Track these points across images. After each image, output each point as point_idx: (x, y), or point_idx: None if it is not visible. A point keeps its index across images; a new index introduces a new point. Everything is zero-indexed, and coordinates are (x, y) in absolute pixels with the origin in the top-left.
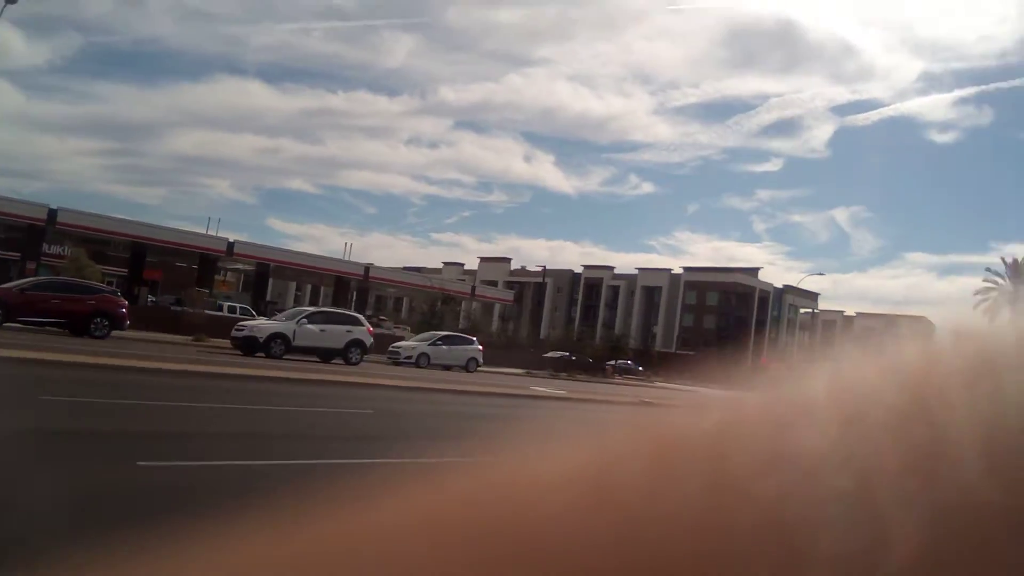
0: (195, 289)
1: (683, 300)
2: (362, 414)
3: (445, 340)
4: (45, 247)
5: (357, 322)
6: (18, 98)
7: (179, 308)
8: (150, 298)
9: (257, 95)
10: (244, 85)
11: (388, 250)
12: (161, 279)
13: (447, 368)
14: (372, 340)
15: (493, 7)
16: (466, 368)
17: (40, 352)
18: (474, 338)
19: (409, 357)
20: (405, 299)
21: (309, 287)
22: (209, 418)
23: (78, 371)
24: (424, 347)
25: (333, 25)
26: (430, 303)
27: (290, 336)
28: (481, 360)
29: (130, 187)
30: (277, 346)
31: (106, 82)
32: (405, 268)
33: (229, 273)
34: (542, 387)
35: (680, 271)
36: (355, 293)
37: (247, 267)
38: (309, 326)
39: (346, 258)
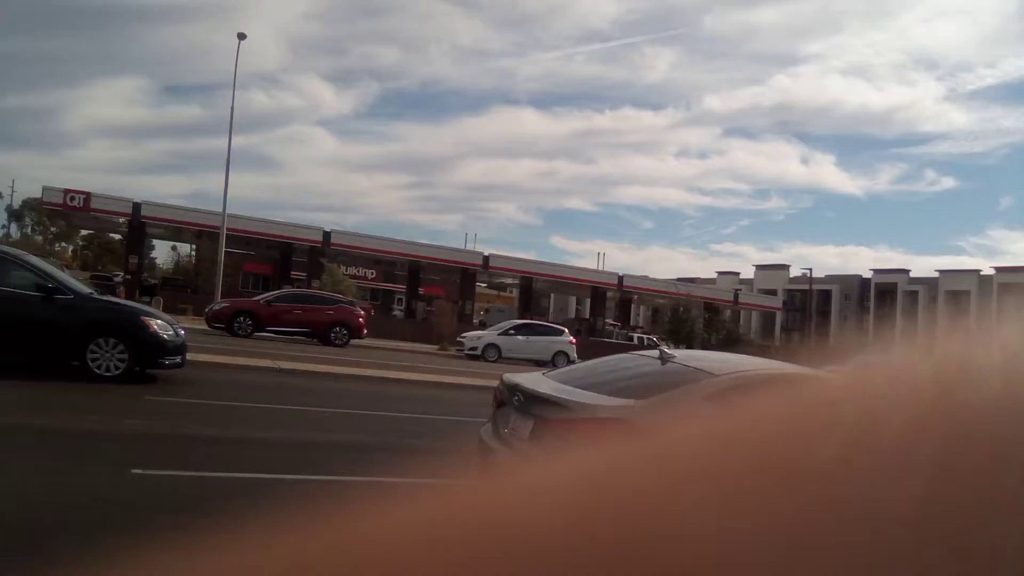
0: (440, 300)
1: (998, 305)
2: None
3: (521, 329)
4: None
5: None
6: (333, 143)
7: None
8: (426, 310)
9: (531, 122)
10: (518, 114)
11: (666, 262)
12: (444, 294)
13: (538, 363)
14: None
15: (752, 9)
16: (553, 364)
17: (240, 358)
18: (564, 328)
19: (474, 348)
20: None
21: (588, 299)
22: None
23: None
24: (493, 336)
25: (594, 48)
26: (676, 311)
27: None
28: (573, 355)
29: (430, 215)
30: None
31: (402, 122)
32: (678, 279)
33: (509, 289)
34: None
35: (991, 271)
36: (617, 302)
37: (512, 280)
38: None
39: (600, 269)
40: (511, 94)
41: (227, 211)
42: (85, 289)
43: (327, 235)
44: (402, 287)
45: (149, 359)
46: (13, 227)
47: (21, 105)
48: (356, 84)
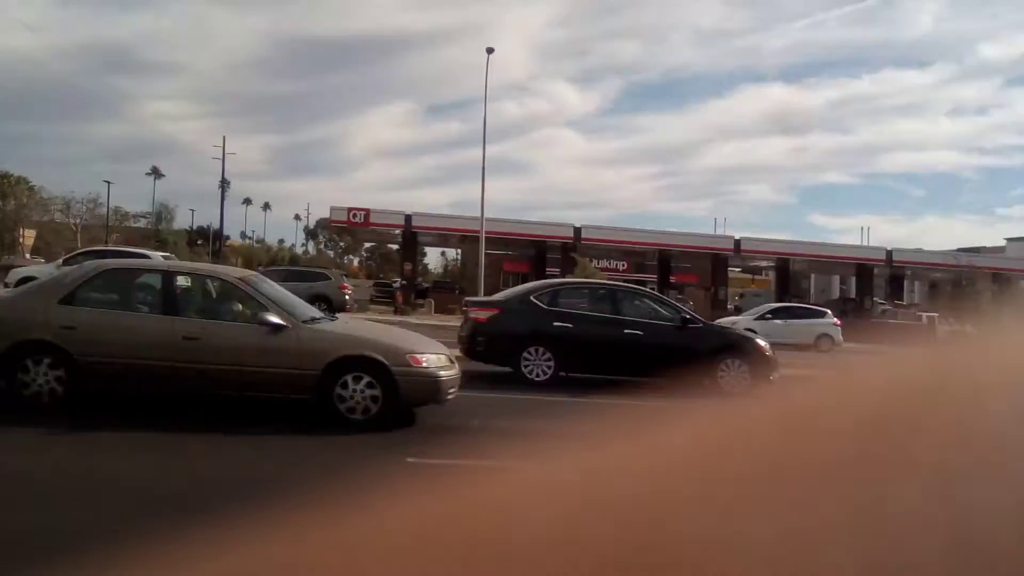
0: (691, 288)
1: None
2: None
3: (778, 313)
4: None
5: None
6: (580, 142)
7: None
8: (678, 297)
9: (779, 97)
10: (766, 90)
11: (942, 233)
12: (696, 281)
13: (799, 348)
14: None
15: None
16: (816, 347)
17: None
18: (826, 310)
19: None
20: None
21: (853, 278)
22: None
23: None
24: (748, 322)
25: (847, 10)
26: (957, 284)
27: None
28: (839, 338)
29: (679, 203)
30: None
31: (646, 114)
32: (958, 250)
33: (764, 272)
34: None
35: None
36: (887, 280)
37: (767, 263)
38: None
39: (864, 244)
40: (757, 71)
41: (485, 215)
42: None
43: (578, 231)
44: (653, 277)
45: (766, 374)
46: (310, 244)
47: (314, 138)
48: (600, 82)
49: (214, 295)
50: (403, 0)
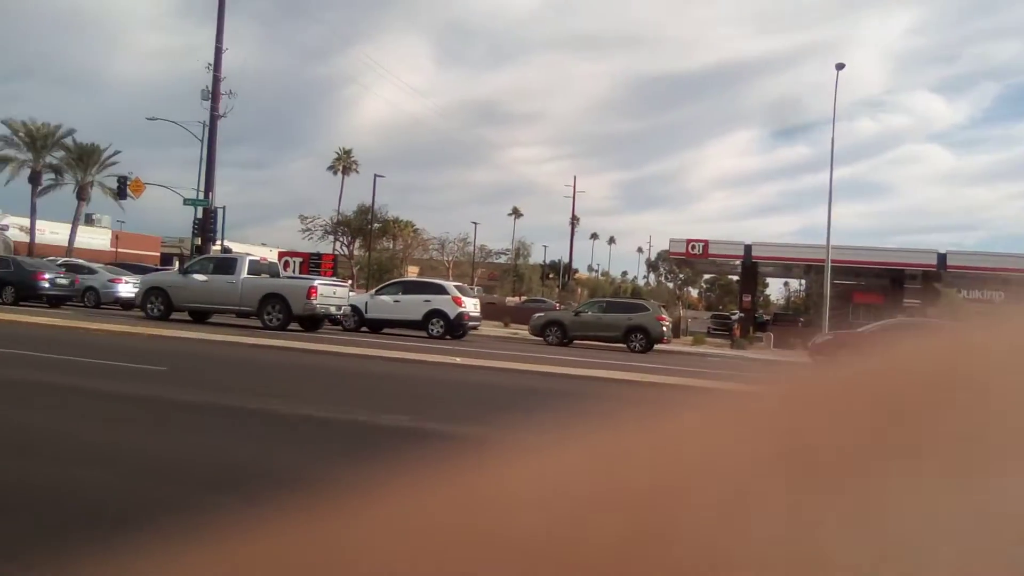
0: None
1: None
2: None
3: None
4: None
5: None
6: (946, 157)
7: None
8: None
9: None
10: None
11: None
12: None
13: None
14: None
15: None
16: None
17: None
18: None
19: None
20: None
21: None
22: None
23: None
24: None
25: None
26: None
27: None
28: None
29: None
30: None
31: None
32: None
33: None
34: None
35: None
36: None
37: None
38: None
39: None
40: None
41: (832, 243)
42: None
43: (942, 257)
44: None
45: None
46: (651, 276)
47: (656, 172)
48: (970, 89)
49: None
50: (748, 27)
